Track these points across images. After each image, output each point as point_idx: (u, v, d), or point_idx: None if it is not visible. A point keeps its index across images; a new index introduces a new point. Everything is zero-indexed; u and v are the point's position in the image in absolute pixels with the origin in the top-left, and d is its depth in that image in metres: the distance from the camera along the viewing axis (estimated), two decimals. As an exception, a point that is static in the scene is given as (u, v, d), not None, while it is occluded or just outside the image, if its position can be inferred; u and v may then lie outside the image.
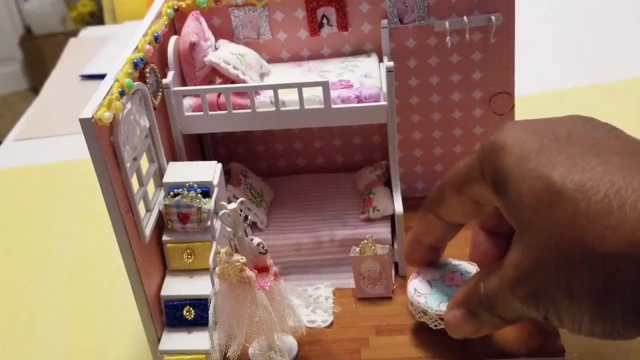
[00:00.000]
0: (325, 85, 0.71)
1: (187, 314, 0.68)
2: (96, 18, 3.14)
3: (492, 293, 0.53)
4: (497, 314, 0.53)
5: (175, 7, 0.78)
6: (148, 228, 0.66)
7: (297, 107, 0.73)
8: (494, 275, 0.52)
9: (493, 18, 0.77)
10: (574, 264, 0.44)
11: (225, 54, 0.76)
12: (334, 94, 0.73)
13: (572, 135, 0.49)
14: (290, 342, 0.66)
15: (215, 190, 0.69)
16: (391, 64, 0.72)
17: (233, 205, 0.59)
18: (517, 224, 0.49)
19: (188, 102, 0.75)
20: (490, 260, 0.55)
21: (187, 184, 0.68)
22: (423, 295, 0.65)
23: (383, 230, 0.77)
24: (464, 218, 0.60)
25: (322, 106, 0.73)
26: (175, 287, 0.69)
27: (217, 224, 0.70)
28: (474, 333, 0.58)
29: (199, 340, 0.66)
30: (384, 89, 0.73)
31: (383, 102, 0.73)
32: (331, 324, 0.71)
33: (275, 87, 0.72)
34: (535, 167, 0.47)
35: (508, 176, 0.49)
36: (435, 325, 0.65)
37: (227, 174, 0.82)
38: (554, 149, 0.47)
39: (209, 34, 0.79)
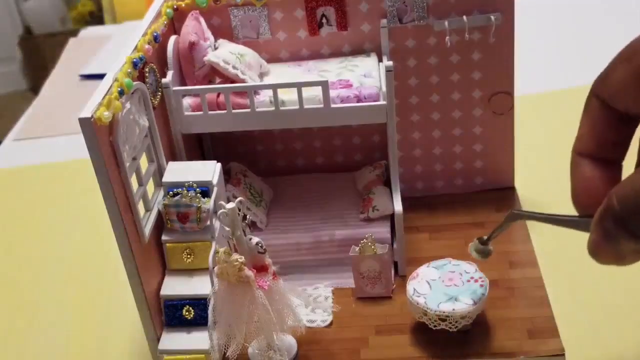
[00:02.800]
0: (324, 85, 0.71)
1: (187, 313, 0.68)
2: (96, 18, 3.14)
3: (630, 200, 0.43)
4: (634, 234, 0.43)
5: (175, 6, 0.78)
6: (147, 228, 0.66)
7: (297, 107, 0.73)
8: (630, 179, 0.43)
9: (492, 18, 0.77)
10: None
11: (224, 53, 0.76)
12: (333, 93, 0.73)
13: None
14: (290, 342, 0.66)
15: (215, 189, 0.69)
16: (390, 63, 0.72)
17: (231, 205, 0.59)
18: None
19: (187, 101, 0.75)
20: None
21: (186, 184, 0.68)
22: (422, 295, 0.65)
23: (382, 230, 0.77)
24: (628, 101, 0.46)
25: (322, 106, 0.73)
26: (175, 286, 0.68)
27: (217, 223, 0.70)
28: (617, 261, 0.46)
29: (198, 339, 0.66)
30: (384, 89, 0.73)
31: (382, 102, 0.73)
32: (330, 324, 0.71)
33: (274, 87, 0.72)
34: None
35: None
36: (434, 326, 0.65)
37: (226, 174, 0.82)
38: None
39: (208, 33, 0.79)
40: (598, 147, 0.48)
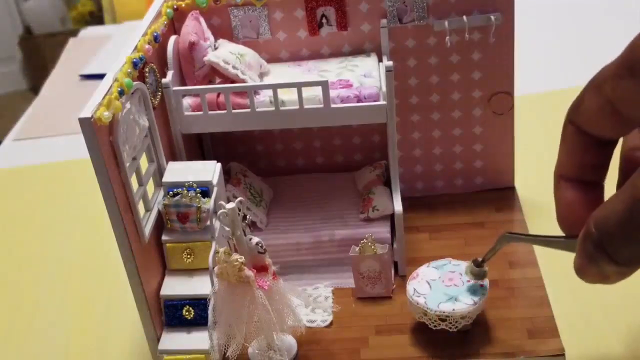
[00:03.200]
0: (324, 85, 0.71)
1: (187, 313, 0.68)
2: (96, 18, 3.14)
3: (607, 226, 0.44)
4: (612, 258, 0.45)
5: (175, 6, 0.78)
6: (147, 228, 0.66)
7: (297, 107, 0.73)
8: (609, 202, 0.44)
9: (492, 18, 0.77)
10: None
11: (224, 53, 0.76)
12: (333, 93, 0.73)
13: None
14: (290, 342, 0.66)
15: (215, 189, 0.69)
16: (390, 63, 0.72)
17: (231, 205, 0.59)
18: None
19: (187, 101, 0.75)
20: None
21: (186, 184, 0.68)
22: (422, 295, 0.65)
23: (382, 230, 0.77)
24: (601, 127, 0.47)
25: (322, 106, 0.73)
26: (175, 286, 0.68)
27: (217, 223, 0.70)
28: (601, 281, 0.48)
29: (198, 339, 0.66)
30: (384, 89, 0.73)
31: (382, 102, 0.73)
32: (330, 324, 0.71)
33: (274, 87, 0.72)
34: None
35: None
36: (435, 326, 0.65)
37: (226, 174, 0.82)
38: None
39: (208, 33, 0.79)
40: (578, 170, 0.50)
